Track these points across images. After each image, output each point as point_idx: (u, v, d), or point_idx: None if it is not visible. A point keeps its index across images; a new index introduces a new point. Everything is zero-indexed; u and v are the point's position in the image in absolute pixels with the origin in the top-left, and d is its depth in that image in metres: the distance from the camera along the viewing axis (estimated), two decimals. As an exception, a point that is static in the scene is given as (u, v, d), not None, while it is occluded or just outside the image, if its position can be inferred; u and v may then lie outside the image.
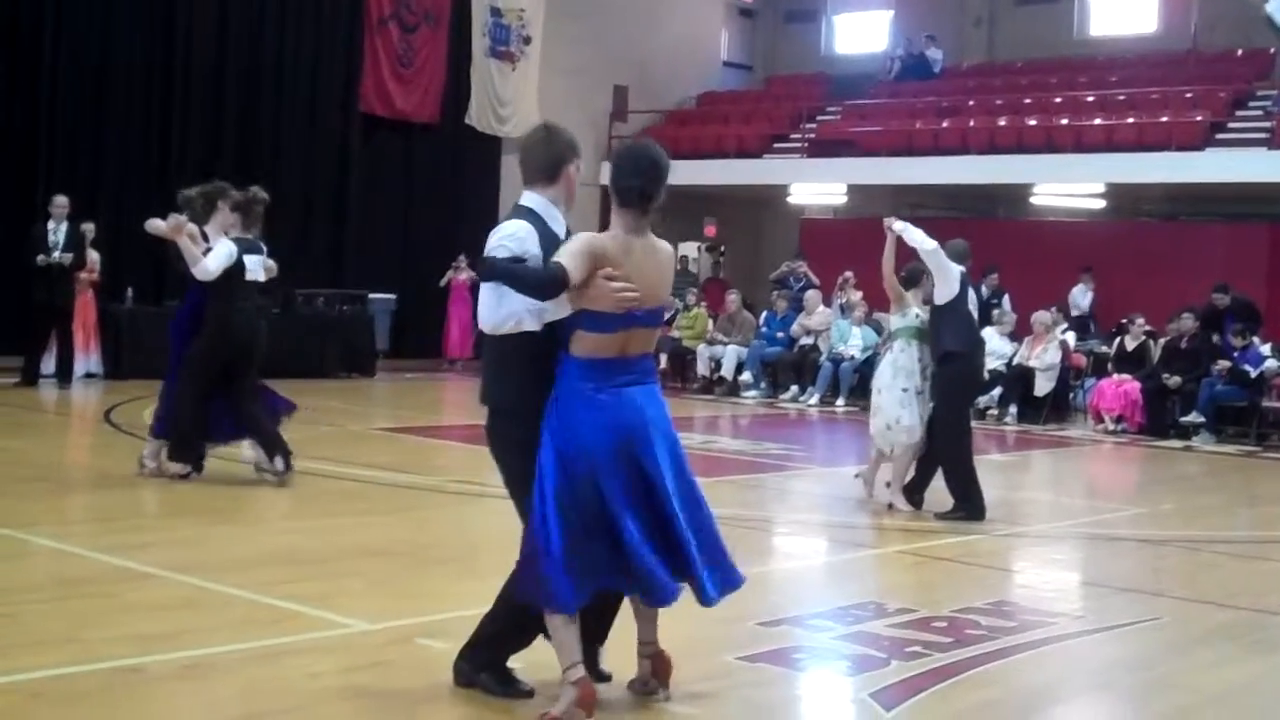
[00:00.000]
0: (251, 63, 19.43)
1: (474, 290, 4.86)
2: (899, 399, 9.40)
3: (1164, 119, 20.16)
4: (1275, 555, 9.09)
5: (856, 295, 18.22)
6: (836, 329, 18.16)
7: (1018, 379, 16.71)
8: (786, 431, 15.61)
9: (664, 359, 18.65)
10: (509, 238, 4.60)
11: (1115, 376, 16.35)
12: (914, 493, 9.50)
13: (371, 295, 19.56)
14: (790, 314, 19.06)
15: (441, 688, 4.91)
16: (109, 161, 17.80)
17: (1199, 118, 19.98)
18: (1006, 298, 18.23)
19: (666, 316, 18.12)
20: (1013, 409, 16.61)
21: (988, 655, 5.79)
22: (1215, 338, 16.22)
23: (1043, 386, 16.68)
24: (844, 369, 17.67)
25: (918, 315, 9.49)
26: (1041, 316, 17.04)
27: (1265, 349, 15.67)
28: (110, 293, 16.20)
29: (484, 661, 4.87)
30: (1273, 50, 22.09)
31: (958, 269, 9.35)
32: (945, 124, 22.25)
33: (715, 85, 27.25)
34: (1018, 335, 17.33)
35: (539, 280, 4.46)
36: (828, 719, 5.21)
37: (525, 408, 4.62)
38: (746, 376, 18.74)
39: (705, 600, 4.66)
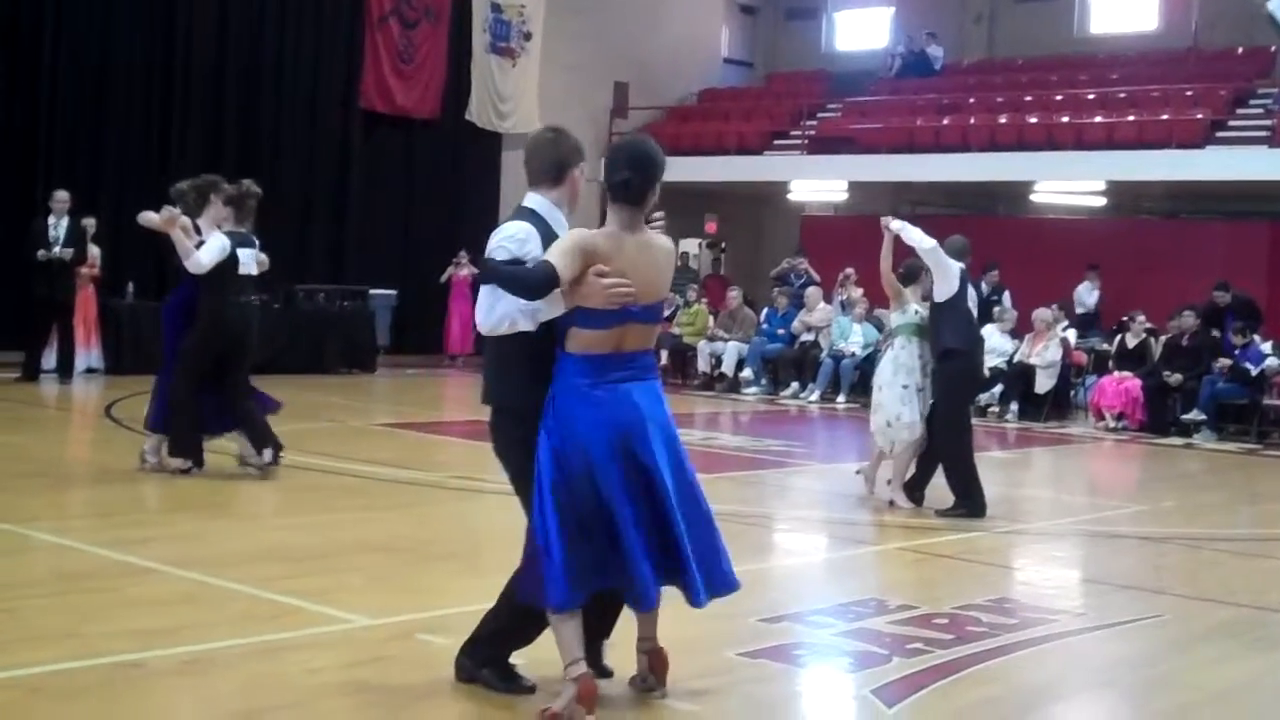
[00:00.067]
0: (252, 59, 19.42)
1: (475, 286, 4.86)
2: (899, 396, 9.39)
3: (1164, 117, 20.15)
4: (1276, 553, 9.08)
5: (857, 292, 18.21)
6: (837, 326, 18.16)
7: (1019, 376, 16.71)
8: (787, 428, 15.61)
9: (664, 355, 18.66)
10: (509, 239, 4.60)
11: (1116, 374, 16.35)
12: (915, 490, 9.50)
13: (372, 291, 19.55)
14: (791, 311, 19.06)
15: (442, 683, 4.91)
16: (109, 157, 17.78)
17: (1199, 115, 19.96)
18: (1007, 295, 18.22)
19: (667, 313, 18.20)
20: (1014, 406, 16.60)
21: (989, 652, 5.79)
22: (1215, 332, 16.21)
23: (1044, 384, 16.68)
24: (845, 366, 17.67)
25: (917, 312, 9.48)
26: (1042, 314, 17.04)
27: (1266, 347, 15.66)
28: (111, 288, 16.20)
29: (486, 657, 4.87)
30: (1273, 48, 22.05)
31: (957, 266, 9.33)
32: (946, 121, 22.23)
33: (716, 82, 27.24)
34: (1018, 332, 17.32)
35: (529, 281, 4.45)
36: (829, 715, 5.21)
37: (527, 406, 4.62)
38: (747, 373, 18.75)
39: (695, 602, 4.65)
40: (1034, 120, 21.37)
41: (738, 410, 17.01)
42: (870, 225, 9.80)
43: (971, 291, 9.56)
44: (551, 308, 4.52)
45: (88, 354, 15.63)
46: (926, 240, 9.23)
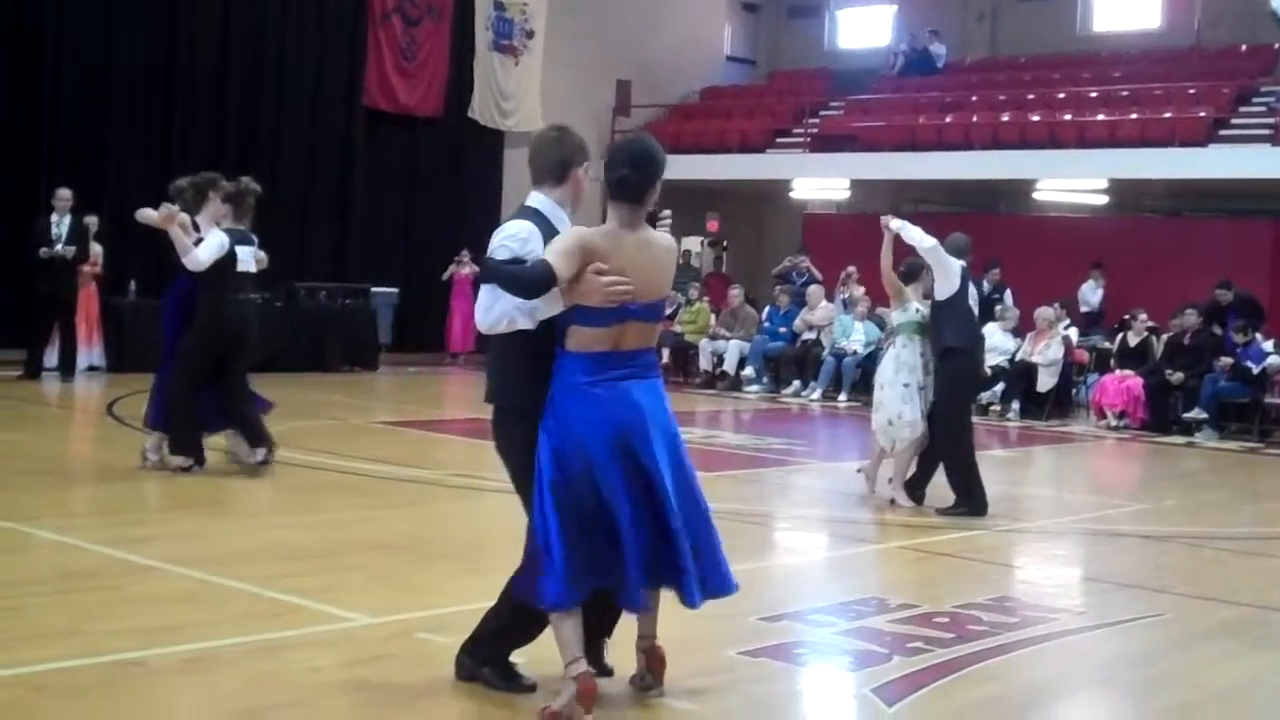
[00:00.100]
0: (254, 57, 19.42)
1: (476, 285, 4.85)
2: (900, 394, 9.39)
3: (1167, 115, 20.13)
4: (1278, 551, 9.07)
5: (859, 290, 18.21)
6: (839, 324, 18.16)
7: (1020, 374, 16.70)
8: (788, 426, 15.61)
9: (666, 354, 18.66)
10: (511, 238, 4.61)
11: (1118, 372, 16.35)
12: (915, 488, 9.49)
13: (374, 289, 19.55)
14: (793, 309, 19.06)
15: (443, 682, 4.91)
16: (112, 155, 17.79)
17: (1202, 113, 19.95)
18: (1009, 293, 18.21)
19: (669, 311, 18.22)
20: (1015, 404, 16.60)
21: (989, 651, 5.79)
22: (1217, 327, 16.20)
23: (1045, 382, 16.67)
24: (846, 364, 17.67)
25: (918, 310, 9.48)
26: (1044, 312, 17.03)
27: (1268, 345, 15.66)
28: (113, 286, 16.20)
29: (486, 656, 4.87)
30: (1277, 46, 22.05)
31: (958, 264, 9.32)
32: (948, 119, 22.22)
33: (718, 80, 27.23)
34: (1020, 331, 17.32)
35: (526, 280, 4.45)
36: (829, 714, 5.21)
37: (529, 405, 4.62)
38: (749, 371, 18.75)
39: (689, 603, 4.65)
40: (1036, 118, 21.36)
41: (739, 408, 17.01)
42: (872, 223, 9.80)
43: (972, 289, 9.55)
44: (550, 306, 4.52)
45: (90, 352, 15.63)
46: (926, 239, 9.22)
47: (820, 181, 23.45)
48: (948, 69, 25.36)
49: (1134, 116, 20.44)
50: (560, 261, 4.43)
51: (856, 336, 17.77)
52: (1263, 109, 20.43)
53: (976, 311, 9.65)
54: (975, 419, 10.25)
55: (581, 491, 4.51)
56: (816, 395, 17.77)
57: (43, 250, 14.50)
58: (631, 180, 4.60)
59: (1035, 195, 22.21)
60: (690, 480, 4.72)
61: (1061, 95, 22.08)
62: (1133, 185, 21.09)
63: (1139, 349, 16.53)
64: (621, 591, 4.56)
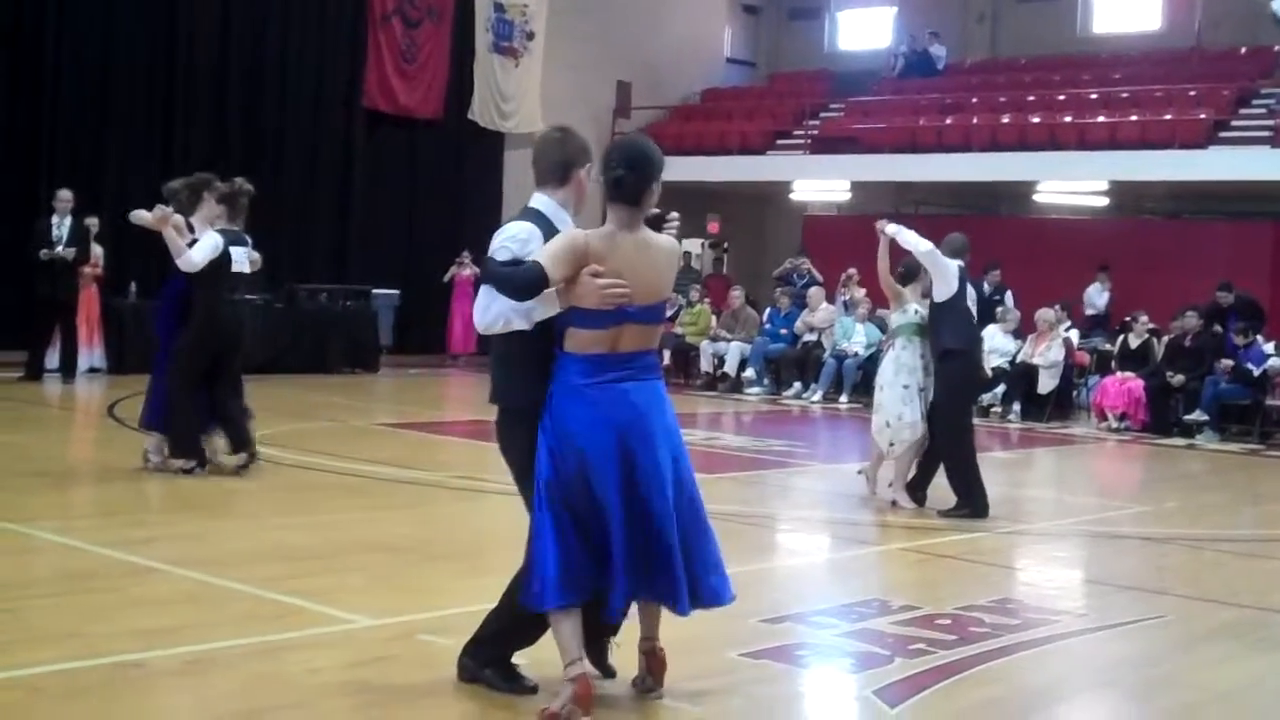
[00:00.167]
0: (254, 58, 19.42)
1: (477, 286, 4.85)
2: (900, 396, 9.38)
3: (1167, 116, 20.14)
4: (1279, 554, 9.07)
5: (860, 292, 18.20)
6: (840, 326, 18.16)
7: (1021, 376, 16.70)
8: (789, 428, 15.61)
9: (667, 355, 18.66)
10: (511, 239, 4.61)
11: (1119, 374, 16.35)
12: (916, 490, 9.49)
13: (375, 290, 19.55)
14: (793, 310, 19.06)
15: (444, 683, 4.91)
16: (112, 157, 17.79)
17: (1203, 115, 19.96)
18: (1009, 295, 18.21)
19: (669, 313, 18.22)
20: (1016, 406, 16.60)
21: (991, 653, 5.78)
22: (1218, 328, 16.20)
23: (1046, 384, 16.68)
24: (847, 366, 17.67)
25: (917, 311, 9.47)
26: (1045, 314, 17.03)
27: (1269, 347, 15.65)
28: (114, 287, 16.20)
29: (488, 657, 4.86)
30: (1277, 48, 22.05)
31: (955, 265, 9.30)
32: (948, 121, 22.23)
33: (719, 81, 27.24)
34: (1021, 333, 17.32)
35: (518, 281, 4.45)
36: (831, 716, 5.21)
37: (530, 406, 4.62)
38: (750, 373, 18.75)
39: (678, 610, 4.64)
40: (1037, 120, 21.37)
41: (740, 410, 17.01)
42: (872, 225, 9.79)
43: (971, 290, 9.52)
44: (545, 307, 4.51)
45: (90, 353, 15.63)
46: (922, 243, 9.21)
47: (821, 183, 23.46)
48: (948, 71, 25.37)
49: (1134, 118, 20.45)
50: (552, 263, 4.42)
51: (857, 338, 17.76)
52: (1263, 111, 20.45)
53: (976, 313, 9.64)
54: (976, 421, 10.24)
55: (577, 492, 4.51)
56: (817, 397, 17.76)
57: (43, 252, 14.50)
58: (627, 181, 4.59)
59: (1036, 197, 22.22)
60: (689, 485, 4.70)
61: (1062, 97, 22.09)
62: (1133, 187, 21.10)
63: (1140, 351, 16.53)
64: (611, 593, 4.55)
